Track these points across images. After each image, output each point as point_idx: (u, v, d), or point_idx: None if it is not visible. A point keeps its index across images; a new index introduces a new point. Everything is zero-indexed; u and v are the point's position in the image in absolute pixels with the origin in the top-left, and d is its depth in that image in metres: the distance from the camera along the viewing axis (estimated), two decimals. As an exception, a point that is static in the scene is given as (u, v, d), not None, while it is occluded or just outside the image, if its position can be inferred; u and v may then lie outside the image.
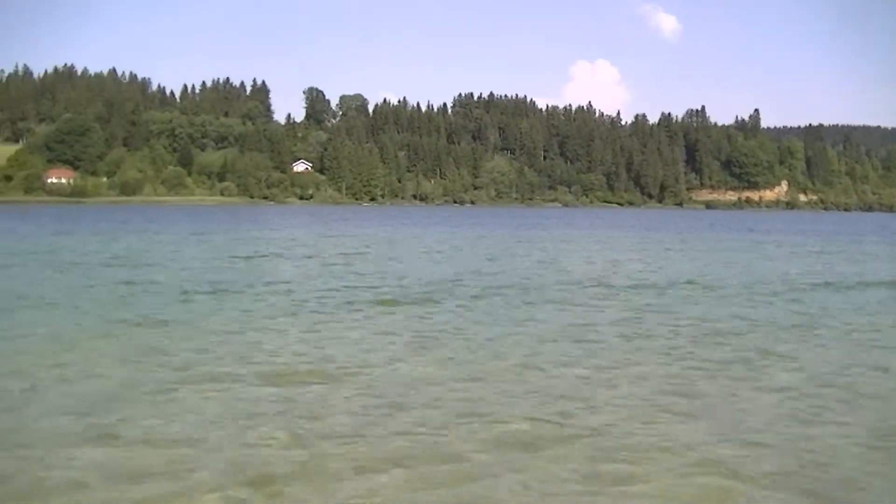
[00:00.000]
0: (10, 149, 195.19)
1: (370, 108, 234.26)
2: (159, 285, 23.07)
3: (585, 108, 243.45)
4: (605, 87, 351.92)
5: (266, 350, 13.73)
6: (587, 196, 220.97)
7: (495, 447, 8.68)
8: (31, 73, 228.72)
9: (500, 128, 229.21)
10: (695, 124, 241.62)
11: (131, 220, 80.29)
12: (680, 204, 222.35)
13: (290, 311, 18.53)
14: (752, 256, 41.30)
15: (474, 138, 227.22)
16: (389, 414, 9.86)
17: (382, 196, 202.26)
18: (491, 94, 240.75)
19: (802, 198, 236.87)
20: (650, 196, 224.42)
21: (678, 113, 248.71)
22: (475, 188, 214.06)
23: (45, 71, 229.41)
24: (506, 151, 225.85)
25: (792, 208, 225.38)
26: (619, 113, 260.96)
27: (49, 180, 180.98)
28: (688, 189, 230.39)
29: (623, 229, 77.73)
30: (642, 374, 12.22)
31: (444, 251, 42.77)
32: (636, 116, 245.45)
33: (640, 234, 67.29)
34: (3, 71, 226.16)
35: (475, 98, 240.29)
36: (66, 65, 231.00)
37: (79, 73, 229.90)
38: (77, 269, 28.24)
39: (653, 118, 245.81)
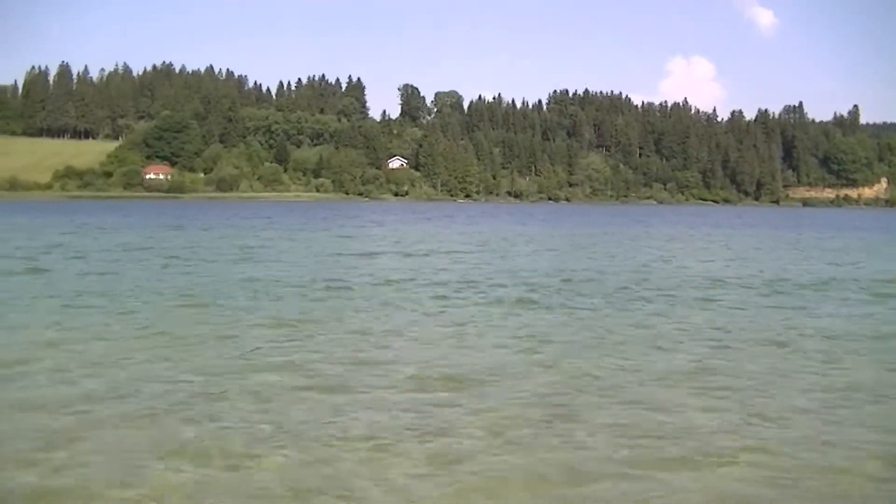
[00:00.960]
0: (111, 145, 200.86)
1: (465, 105, 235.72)
2: (297, 282, 23.65)
3: (681, 104, 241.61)
4: (701, 83, 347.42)
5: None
6: (682, 193, 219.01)
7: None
8: (131, 71, 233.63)
9: (595, 125, 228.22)
10: (792, 121, 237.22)
11: (247, 216, 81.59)
12: (776, 202, 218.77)
13: (453, 310, 18.75)
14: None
15: (569, 135, 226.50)
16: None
17: (477, 193, 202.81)
18: (586, 91, 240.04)
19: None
20: (746, 193, 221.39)
21: (775, 109, 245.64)
22: (570, 185, 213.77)
23: (144, 69, 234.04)
24: (601, 148, 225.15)
25: (892, 206, 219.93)
26: (714, 109, 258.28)
27: (147, 176, 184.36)
28: (784, 186, 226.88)
29: (754, 228, 71.39)
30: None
31: (583, 247, 43.91)
32: (732, 113, 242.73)
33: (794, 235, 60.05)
34: (103, 69, 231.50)
35: (570, 95, 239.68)
36: (164, 63, 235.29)
37: (177, 70, 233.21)
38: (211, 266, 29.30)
39: (749, 114, 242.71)
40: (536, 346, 14.26)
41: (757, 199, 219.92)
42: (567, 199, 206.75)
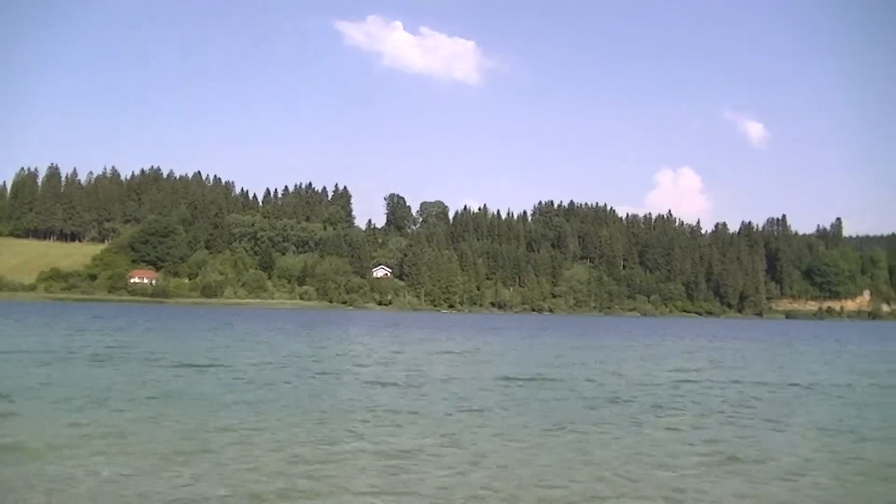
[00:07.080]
0: (96, 248, 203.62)
1: (450, 215, 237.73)
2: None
3: (665, 217, 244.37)
4: (688, 195, 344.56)
5: None
6: (666, 305, 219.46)
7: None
8: (119, 175, 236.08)
9: (579, 236, 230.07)
10: (775, 233, 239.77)
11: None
12: (759, 314, 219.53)
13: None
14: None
15: (554, 246, 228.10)
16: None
17: (461, 303, 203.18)
18: (571, 203, 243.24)
19: (885, 308, 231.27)
20: (729, 306, 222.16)
21: (759, 221, 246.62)
22: (553, 296, 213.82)
23: (133, 173, 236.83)
24: (585, 260, 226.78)
25: (874, 318, 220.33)
26: (699, 221, 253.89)
27: (132, 280, 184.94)
28: (767, 298, 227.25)
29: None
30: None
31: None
32: (716, 225, 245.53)
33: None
34: (91, 172, 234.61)
35: (555, 206, 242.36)
36: (152, 167, 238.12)
37: (165, 175, 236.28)
38: None
39: (733, 227, 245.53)
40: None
41: (740, 311, 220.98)
42: (550, 310, 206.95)
